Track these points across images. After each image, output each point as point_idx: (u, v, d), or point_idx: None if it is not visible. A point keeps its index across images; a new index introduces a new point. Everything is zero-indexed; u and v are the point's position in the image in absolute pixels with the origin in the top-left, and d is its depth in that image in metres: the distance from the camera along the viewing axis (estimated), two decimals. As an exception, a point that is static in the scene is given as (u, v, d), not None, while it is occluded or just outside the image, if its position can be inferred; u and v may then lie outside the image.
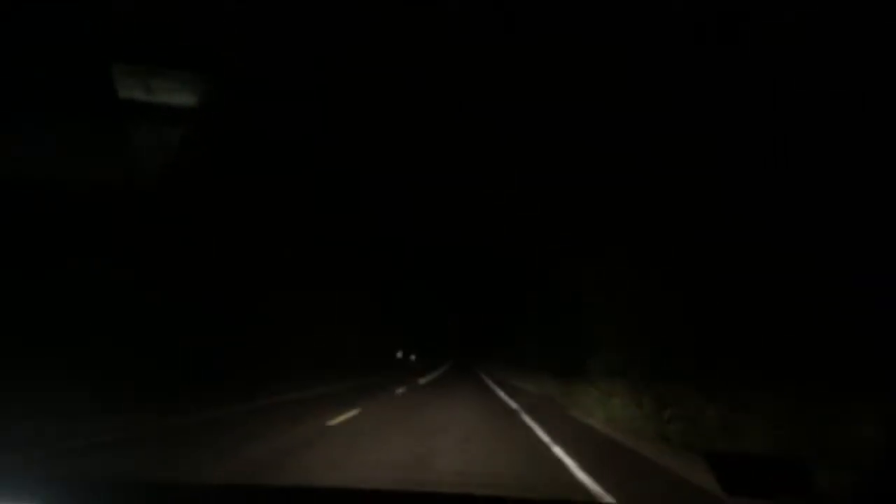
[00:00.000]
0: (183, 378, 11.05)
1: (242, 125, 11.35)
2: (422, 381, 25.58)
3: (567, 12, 12.49)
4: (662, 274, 12.72)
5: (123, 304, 10.86)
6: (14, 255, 8.30)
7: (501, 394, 17.91)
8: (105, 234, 10.04)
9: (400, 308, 46.01)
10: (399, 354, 46.08)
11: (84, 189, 6.95)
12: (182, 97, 4.59)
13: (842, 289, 7.10)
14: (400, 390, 18.15)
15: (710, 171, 10.60)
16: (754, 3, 7.04)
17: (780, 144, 8.59)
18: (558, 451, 6.95)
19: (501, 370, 34.66)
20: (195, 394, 10.92)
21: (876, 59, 5.66)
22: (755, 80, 8.75)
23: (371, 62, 14.44)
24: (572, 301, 19.83)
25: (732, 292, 9.85)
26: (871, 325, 5.93)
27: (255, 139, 13.36)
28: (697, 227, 11.88)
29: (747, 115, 9.98)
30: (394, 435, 7.93)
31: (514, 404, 13.90)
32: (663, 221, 12.96)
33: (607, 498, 4.55)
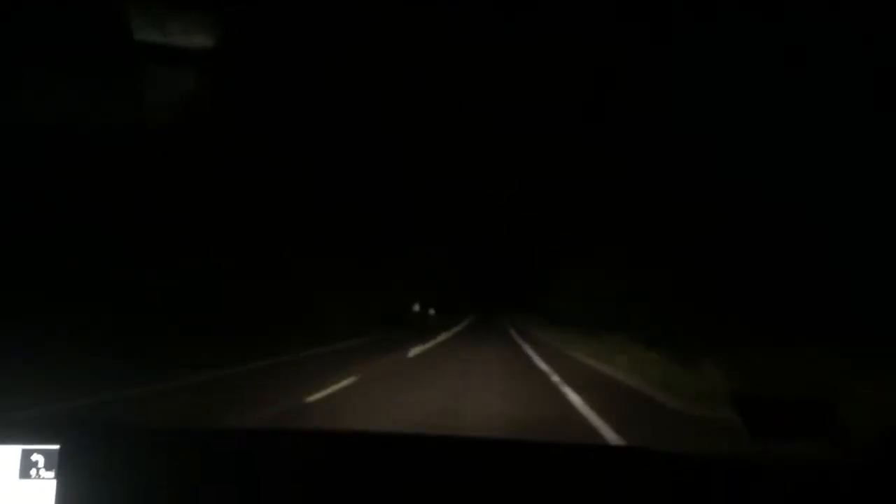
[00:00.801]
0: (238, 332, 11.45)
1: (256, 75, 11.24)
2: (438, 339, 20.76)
3: (568, 13, 12.08)
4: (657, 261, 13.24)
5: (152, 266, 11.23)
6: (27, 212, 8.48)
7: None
8: (120, 184, 10.18)
9: (417, 261, 45.85)
10: (416, 308, 43.25)
11: (98, 133, 6.98)
12: (199, 39, 4.47)
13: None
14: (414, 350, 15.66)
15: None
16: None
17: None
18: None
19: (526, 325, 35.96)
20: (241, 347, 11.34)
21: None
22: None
23: (373, 62, 14.14)
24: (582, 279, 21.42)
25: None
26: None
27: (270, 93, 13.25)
28: (690, 222, 12.08)
29: (741, 110, 9.79)
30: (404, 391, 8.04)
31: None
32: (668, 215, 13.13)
33: (615, 439, 4.71)
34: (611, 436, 5.03)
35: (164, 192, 11.36)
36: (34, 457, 1.48)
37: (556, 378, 9.82)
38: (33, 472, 1.47)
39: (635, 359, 10.67)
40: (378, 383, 9.03)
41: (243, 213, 15.08)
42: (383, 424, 5.55)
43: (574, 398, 7.54)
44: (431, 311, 45.95)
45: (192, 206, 12.80)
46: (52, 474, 1.47)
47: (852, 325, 6.88)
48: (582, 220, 19.18)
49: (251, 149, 13.93)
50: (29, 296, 8.35)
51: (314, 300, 19.89)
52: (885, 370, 4.95)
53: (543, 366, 12.06)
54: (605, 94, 13.71)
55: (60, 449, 1.49)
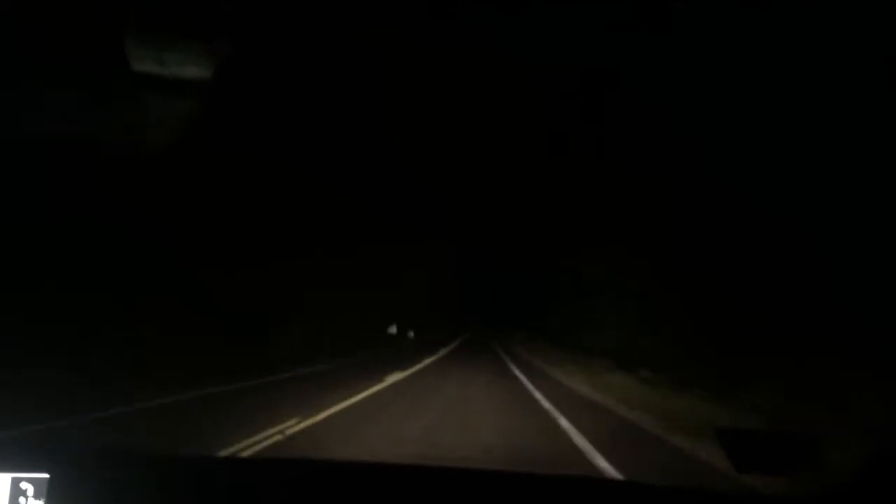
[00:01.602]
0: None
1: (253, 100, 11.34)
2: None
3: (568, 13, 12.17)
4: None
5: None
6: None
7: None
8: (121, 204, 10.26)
9: (399, 278, 40.37)
10: (392, 330, 37.79)
11: (96, 157, 7.11)
12: (194, 70, 4.54)
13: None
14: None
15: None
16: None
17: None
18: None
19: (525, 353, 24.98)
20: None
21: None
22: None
23: (369, 66, 14.22)
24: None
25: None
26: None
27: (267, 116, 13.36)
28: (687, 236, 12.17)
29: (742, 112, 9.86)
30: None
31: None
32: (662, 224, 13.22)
33: (614, 473, 4.62)
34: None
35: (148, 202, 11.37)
36: (23, 485, 1.49)
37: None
38: (22, 500, 1.49)
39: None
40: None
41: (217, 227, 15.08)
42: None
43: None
44: (410, 334, 40.20)
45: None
46: (41, 503, 1.49)
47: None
48: (586, 227, 19.15)
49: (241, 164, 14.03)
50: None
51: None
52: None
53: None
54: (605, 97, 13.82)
55: (50, 478, 1.50)
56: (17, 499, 1.49)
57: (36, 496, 1.49)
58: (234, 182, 14.40)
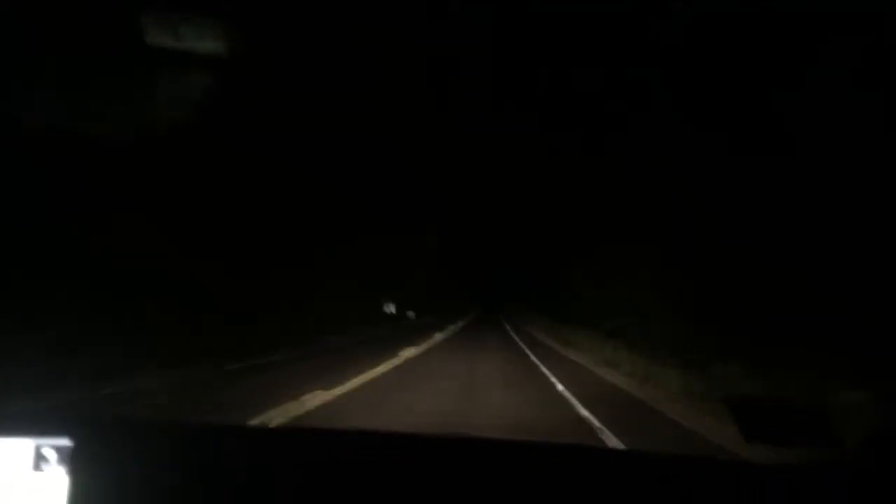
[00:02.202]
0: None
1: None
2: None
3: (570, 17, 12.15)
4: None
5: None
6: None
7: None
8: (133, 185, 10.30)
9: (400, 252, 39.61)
10: (390, 309, 36.16)
11: (110, 135, 7.11)
12: (210, 45, 4.51)
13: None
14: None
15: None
16: None
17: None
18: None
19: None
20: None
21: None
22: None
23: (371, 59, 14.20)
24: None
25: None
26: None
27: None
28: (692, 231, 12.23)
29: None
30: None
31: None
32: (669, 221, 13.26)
33: (616, 442, 4.71)
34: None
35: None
36: (46, 451, 1.51)
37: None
38: (45, 466, 1.50)
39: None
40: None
41: (229, 212, 15.06)
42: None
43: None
44: (410, 314, 38.28)
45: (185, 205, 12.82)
46: (64, 469, 1.50)
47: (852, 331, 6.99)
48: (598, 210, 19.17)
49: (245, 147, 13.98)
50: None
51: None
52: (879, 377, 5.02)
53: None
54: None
55: (73, 444, 1.52)
56: (39, 464, 1.50)
57: (59, 462, 1.50)
58: (237, 174, 14.38)
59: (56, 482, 1.49)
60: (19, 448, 1.51)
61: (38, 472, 1.50)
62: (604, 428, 5.29)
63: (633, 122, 13.14)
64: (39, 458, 1.51)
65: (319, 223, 24.04)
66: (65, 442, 1.52)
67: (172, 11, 4.39)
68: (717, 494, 1.55)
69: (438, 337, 20.50)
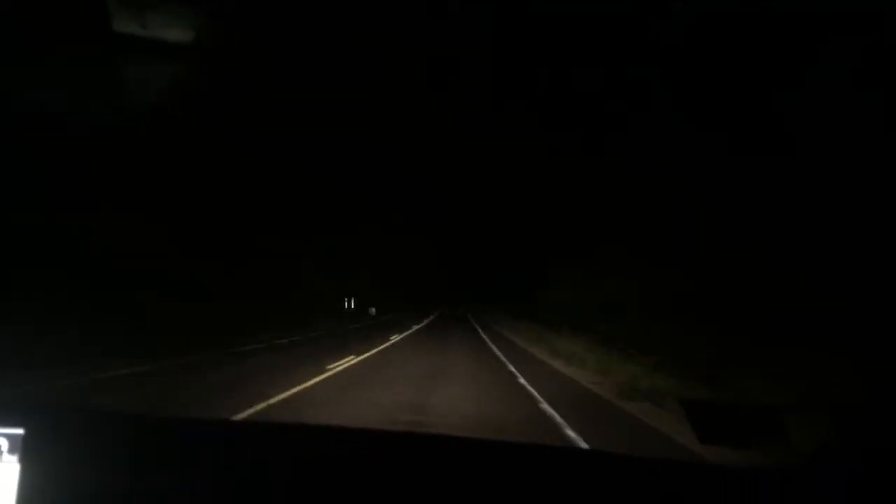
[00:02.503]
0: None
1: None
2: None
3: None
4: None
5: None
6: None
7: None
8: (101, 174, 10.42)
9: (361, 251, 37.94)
10: (350, 305, 34.22)
11: (77, 123, 7.20)
12: (177, 33, 4.52)
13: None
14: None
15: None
16: None
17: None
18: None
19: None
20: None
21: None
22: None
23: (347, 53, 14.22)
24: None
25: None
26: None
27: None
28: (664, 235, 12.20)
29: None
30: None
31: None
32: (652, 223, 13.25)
33: (582, 443, 4.75)
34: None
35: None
36: (-2, 441, 1.53)
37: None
38: (-3, 455, 1.53)
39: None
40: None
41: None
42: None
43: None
44: (372, 311, 36.11)
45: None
46: (15, 458, 1.53)
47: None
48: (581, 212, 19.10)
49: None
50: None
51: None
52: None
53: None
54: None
55: (25, 433, 1.54)
56: (-9, 454, 1.53)
57: (10, 451, 1.53)
58: (232, 173, 14.46)
59: (8, 472, 1.52)
60: (-29, 438, 1.54)
61: (-10, 462, 1.52)
62: None
63: (633, 121, 13.11)
64: (-9, 448, 1.53)
65: (304, 217, 24.11)
66: (17, 431, 1.54)
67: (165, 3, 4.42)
68: (678, 493, 1.57)
69: (395, 339, 17.95)
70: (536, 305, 27.56)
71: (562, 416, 6.02)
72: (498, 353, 14.53)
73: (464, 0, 12.53)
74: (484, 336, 21.37)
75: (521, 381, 9.31)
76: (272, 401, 6.69)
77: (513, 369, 11.02)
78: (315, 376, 8.98)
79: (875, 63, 8.34)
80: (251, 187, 17.94)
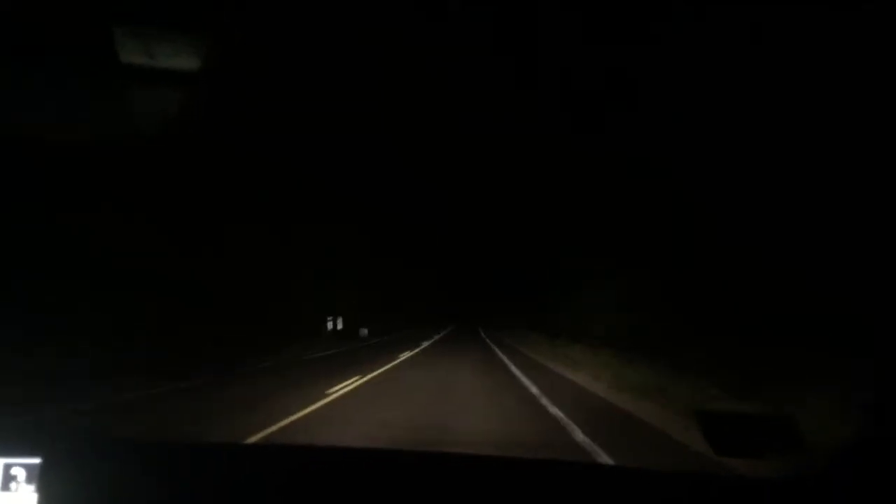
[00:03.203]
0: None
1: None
2: None
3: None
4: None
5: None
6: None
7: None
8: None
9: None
10: (334, 325, 28.70)
11: (83, 150, 7.28)
12: (184, 62, 4.55)
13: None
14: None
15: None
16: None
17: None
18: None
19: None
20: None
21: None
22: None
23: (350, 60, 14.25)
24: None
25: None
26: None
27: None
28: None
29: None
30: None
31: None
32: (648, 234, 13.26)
33: (605, 458, 4.69)
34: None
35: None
36: (14, 470, 1.53)
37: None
38: (13, 485, 1.53)
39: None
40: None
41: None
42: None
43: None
44: (364, 332, 29.49)
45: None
46: (32, 487, 1.53)
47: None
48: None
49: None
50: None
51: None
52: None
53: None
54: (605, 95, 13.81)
55: (42, 462, 1.54)
56: (8, 484, 1.53)
57: (27, 481, 1.53)
58: (232, 175, 14.47)
59: (25, 501, 1.52)
60: (-12, 468, 1.54)
61: (6, 493, 1.53)
62: None
63: (632, 121, 13.12)
64: (8, 478, 1.53)
65: (296, 222, 23.14)
66: (34, 460, 1.55)
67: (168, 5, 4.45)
68: None
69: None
70: (558, 317, 24.35)
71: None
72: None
73: (464, 0, 12.54)
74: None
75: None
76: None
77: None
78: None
79: (866, 62, 8.36)
80: (244, 186, 17.73)
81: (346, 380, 10.25)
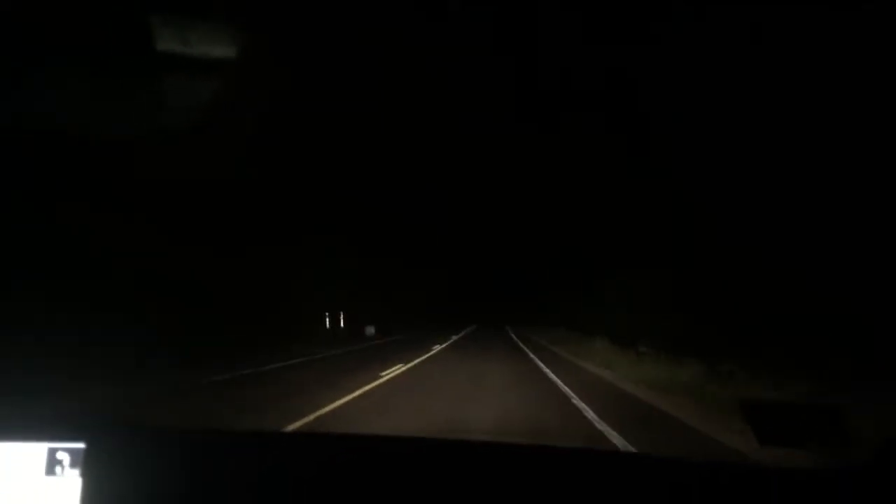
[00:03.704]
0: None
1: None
2: None
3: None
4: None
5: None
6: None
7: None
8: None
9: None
10: (338, 323, 27.92)
11: (120, 138, 7.25)
12: (219, 50, 4.52)
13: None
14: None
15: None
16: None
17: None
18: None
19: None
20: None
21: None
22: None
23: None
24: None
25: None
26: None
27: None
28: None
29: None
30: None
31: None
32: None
33: (629, 447, 4.73)
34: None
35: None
36: (59, 455, 1.50)
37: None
38: (59, 469, 1.49)
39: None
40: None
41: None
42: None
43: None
44: (371, 330, 28.43)
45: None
46: (77, 472, 1.49)
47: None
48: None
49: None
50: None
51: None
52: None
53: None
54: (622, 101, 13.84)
55: (86, 447, 1.51)
56: (53, 468, 1.49)
57: (72, 465, 1.49)
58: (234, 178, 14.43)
59: (69, 485, 1.49)
60: (33, 452, 1.50)
61: (52, 476, 1.49)
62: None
63: (632, 122, 13.19)
64: (53, 462, 1.50)
65: (300, 221, 22.78)
66: (78, 445, 1.51)
67: (176, 15, 4.40)
68: (729, 496, 1.55)
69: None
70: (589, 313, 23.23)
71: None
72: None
73: (464, 0, 12.54)
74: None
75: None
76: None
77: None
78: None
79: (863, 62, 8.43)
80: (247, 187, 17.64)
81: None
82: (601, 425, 6.02)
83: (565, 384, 9.81)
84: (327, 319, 26.48)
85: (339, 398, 7.87)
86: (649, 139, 13.05)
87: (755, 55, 10.22)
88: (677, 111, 11.96)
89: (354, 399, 7.95)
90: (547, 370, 12.41)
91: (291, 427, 5.75)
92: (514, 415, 6.60)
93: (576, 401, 7.80)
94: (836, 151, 9.05)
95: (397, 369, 12.24)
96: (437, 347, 20.38)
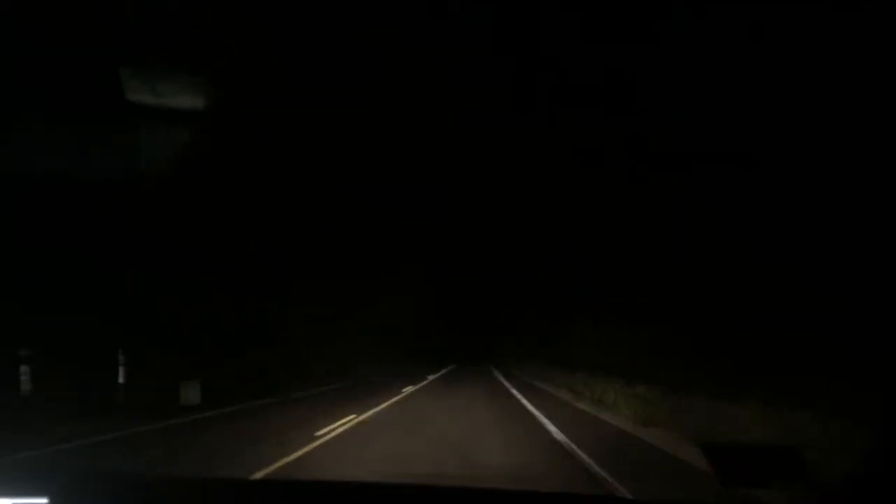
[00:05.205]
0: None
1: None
2: None
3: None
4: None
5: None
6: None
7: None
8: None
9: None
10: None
11: (94, 185, 7.41)
12: (187, 100, 4.60)
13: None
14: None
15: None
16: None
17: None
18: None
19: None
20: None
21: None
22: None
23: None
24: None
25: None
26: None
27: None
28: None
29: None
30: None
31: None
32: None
33: (625, 493, 4.67)
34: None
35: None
36: (22, 511, 1.53)
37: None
38: (22, 525, 1.52)
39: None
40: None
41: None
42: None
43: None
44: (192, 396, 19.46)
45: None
46: (40, 528, 1.52)
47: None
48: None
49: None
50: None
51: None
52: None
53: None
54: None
55: (48, 502, 1.53)
56: (16, 524, 1.52)
57: (35, 521, 1.52)
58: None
59: (33, 541, 1.51)
60: (-5, 509, 1.53)
61: (15, 533, 1.52)
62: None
63: (632, 124, 13.10)
64: (16, 518, 1.53)
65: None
66: (42, 501, 1.54)
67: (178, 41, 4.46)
68: None
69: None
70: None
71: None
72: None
73: (464, 0, 12.49)
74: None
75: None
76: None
77: None
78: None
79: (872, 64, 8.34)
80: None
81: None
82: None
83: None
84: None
85: None
86: (648, 139, 12.98)
87: (755, 55, 10.14)
88: (677, 111, 11.89)
89: None
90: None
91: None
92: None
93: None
94: (835, 151, 8.97)
95: None
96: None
